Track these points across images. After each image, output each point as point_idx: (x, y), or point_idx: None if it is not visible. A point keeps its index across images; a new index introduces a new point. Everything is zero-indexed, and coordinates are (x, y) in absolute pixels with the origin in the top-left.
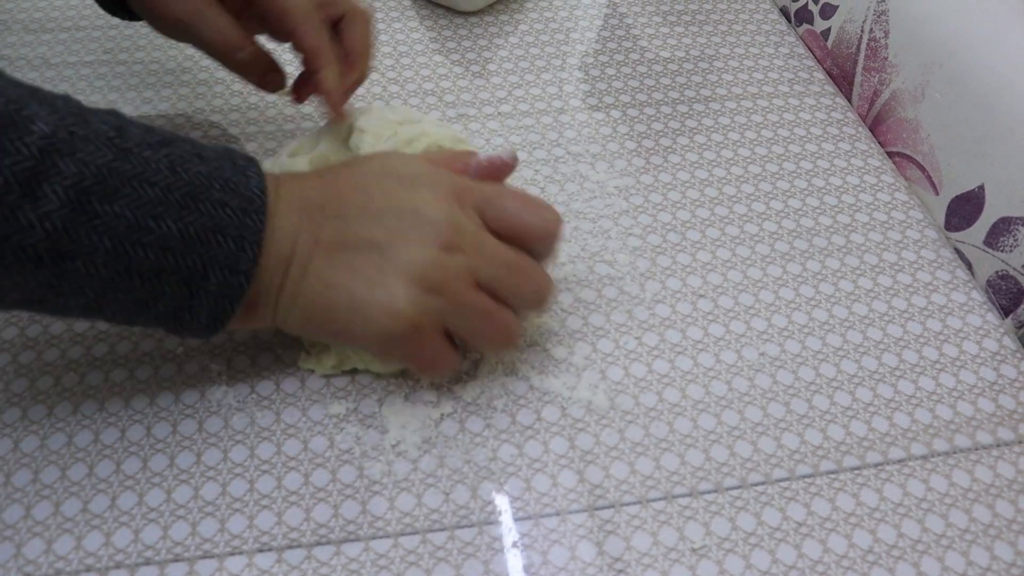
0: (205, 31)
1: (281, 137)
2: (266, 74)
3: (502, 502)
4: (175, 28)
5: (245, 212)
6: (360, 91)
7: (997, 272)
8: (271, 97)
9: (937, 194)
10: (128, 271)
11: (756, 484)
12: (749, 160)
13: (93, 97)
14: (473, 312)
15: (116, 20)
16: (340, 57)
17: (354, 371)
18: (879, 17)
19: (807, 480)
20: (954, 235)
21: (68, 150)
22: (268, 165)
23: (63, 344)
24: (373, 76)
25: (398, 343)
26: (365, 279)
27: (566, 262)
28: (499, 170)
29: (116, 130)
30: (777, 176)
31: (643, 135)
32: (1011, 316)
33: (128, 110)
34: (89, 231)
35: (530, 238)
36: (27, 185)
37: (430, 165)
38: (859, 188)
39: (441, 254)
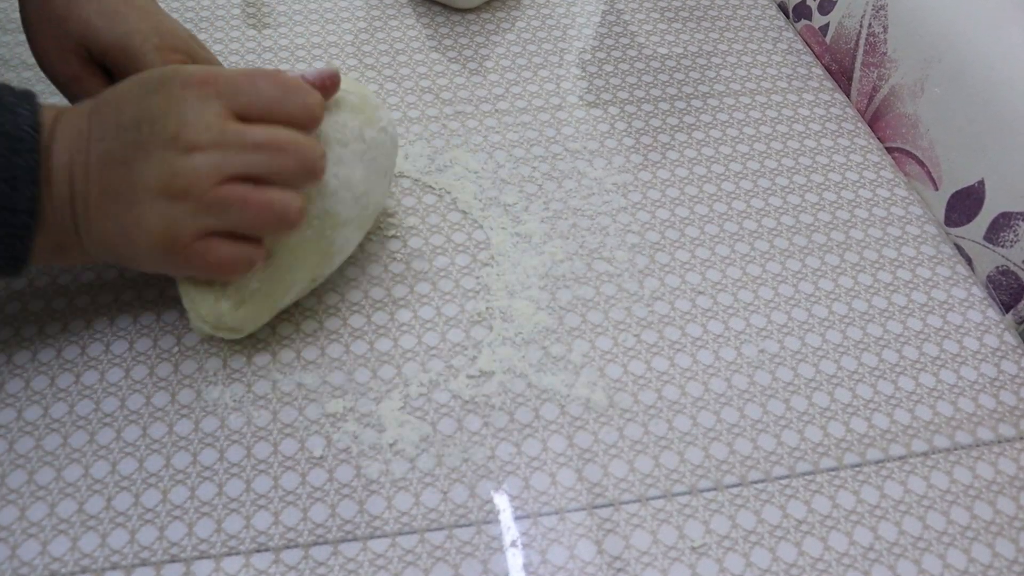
0: (81, 95)
1: None
2: None
3: (500, 501)
4: (54, 79)
5: (15, 152)
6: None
7: (997, 267)
8: None
9: (937, 189)
10: None
11: (756, 482)
12: (747, 157)
13: None
14: (225, 205)
15: None
16: None
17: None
18: (878, 12)
19: (807, 477)
20: (954, 230)
21: None
22: None
23: (59, 344)
24: (369, 74)
25: (169, 259)
26: (124, 202)
27: (564, 259)
28: (326, 89)
29: None
30: (776, 172)
31: (641, 132)
32: (1012, 312)
33: None
34: None
35: (289, 123)
36: None
37: (189, 67)
38: (858, 184)
39: (179, 158)
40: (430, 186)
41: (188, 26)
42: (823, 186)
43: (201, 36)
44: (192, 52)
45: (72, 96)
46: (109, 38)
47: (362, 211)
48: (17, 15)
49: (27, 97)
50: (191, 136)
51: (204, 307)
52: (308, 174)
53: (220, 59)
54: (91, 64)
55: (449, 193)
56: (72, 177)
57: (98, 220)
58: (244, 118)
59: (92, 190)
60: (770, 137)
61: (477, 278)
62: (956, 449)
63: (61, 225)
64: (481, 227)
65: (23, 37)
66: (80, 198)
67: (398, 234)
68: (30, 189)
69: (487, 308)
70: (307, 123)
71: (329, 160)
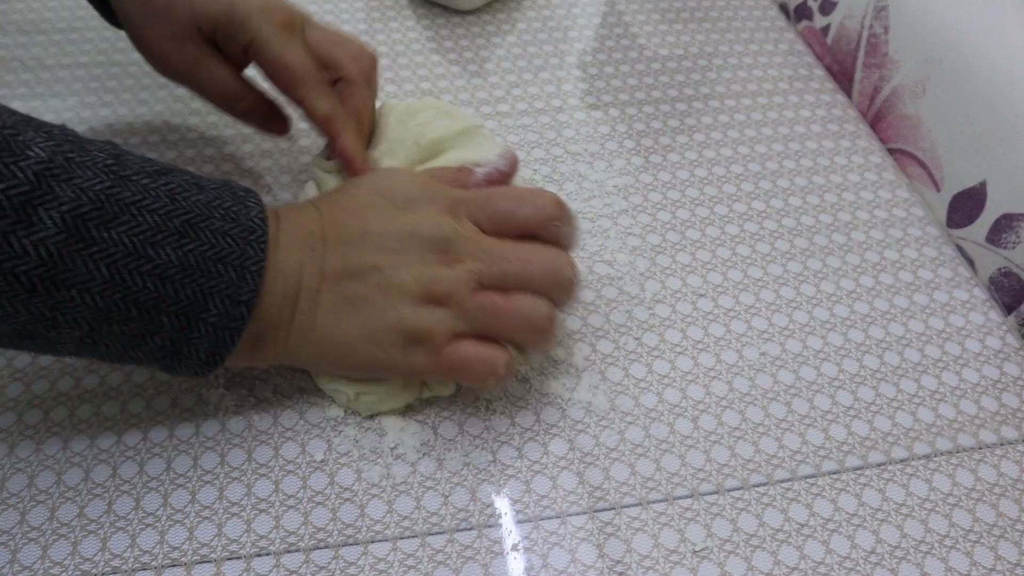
0: (203, 81)
1: (277, 137)
2: (268, 119)
3: (502, 504)
4: (174, 74)
5: (246, 241)
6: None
7: (1000, 269)
8: None
9: (938, 191)
10: (125, 301)
11: (758, 485)
12: (749, 158)
13: (88, 98)
14: (483, 312)
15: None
16: (350, 117)
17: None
18: (879, 13)
19: (809, 481)
20: (956, 232)
21: (65, 176)
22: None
23: None
24: None
25: (422, 361)
26: (373, 306)
27: None
28: (498, 181)
29: (114, 158)
30: (777, 174)
31: (642, 134)
32: (1014, 313)
33: (123, 111)
34: (86, 258)
35: (529, 229)
36: (22, 210)
37: (424, 181)
38: (860, 185)
39: (441, 267)
40: None
41: None
42: (824, 188)
43: None
44: (298, 13)
45: (200, 85)
46: (217, 10)
47: None
48: (16, 16)
49: (252, 192)
50: (454, 249)
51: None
52: (557, 284)
53: None
54: (207, 45)
55: None
56: (301, 276)
57: (332, 321)
58: (493, 236)
59: (324, 292)
60: (771, 139)
61: None
62: (958, 452)
63: (270, 320)
64: None
65: (22, 39)
66: (306, 298)
67: None
68: (255, 280)
69: None
70: (556, 238)
71: None
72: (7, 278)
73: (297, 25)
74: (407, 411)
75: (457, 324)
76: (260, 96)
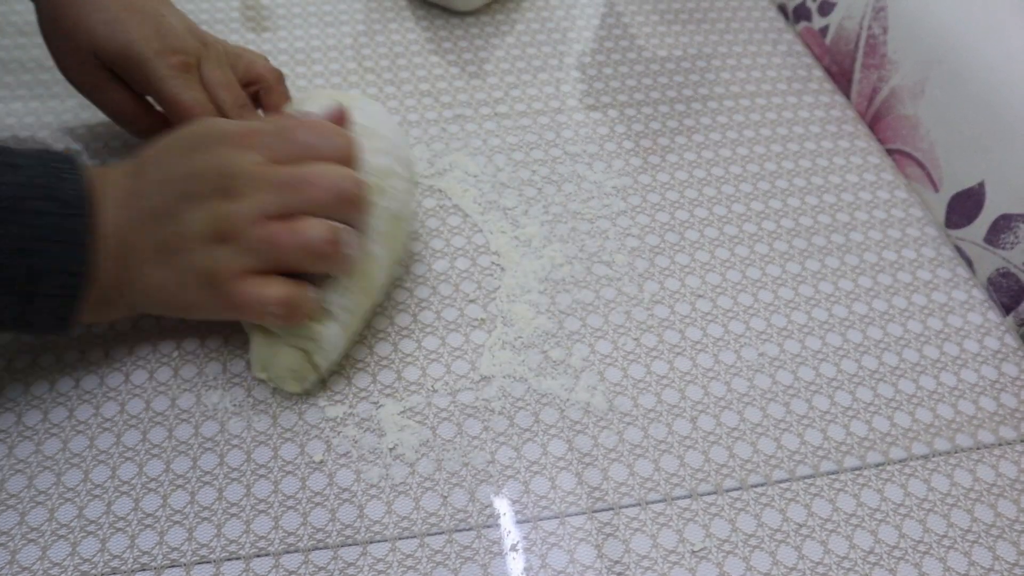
0: (102, 101)
1: None
2: None
3: (500, 505)
4: (78, 88)
5: (65, 216)
6: (355, 92)
7: (998, 269)
8: None
9: (937, 191)
10: None
11: (756, 485)
12: (747, 159)
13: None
14: (264, 244)
15: None
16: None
17: (340, 372)
18: (878, 14)
19: (807, 481)
20: (954, 232)
21: None
22: None
23: (58, 348)
24: (368, 77)
25: (215, 299)
26: (176, 250)
27: (564, 263)
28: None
29: None
30: (775, 175)
31: (641, 135)
32: (1012, 314)
33: None
34: None
35: (323, 160)
36: None
37: (226, 123)
38: (858, 186)
39: (226, 203)
40: (431, 189)
41: None
42: (823, 188)
43: None
44: (193, 50)
45: (100, 105)
46: (114, 47)
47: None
48: (15, 18)
49: (70, 161)
50: (232, 184)
51: (289, 359)
52: (345, 202)
53: None
54: (107, 71)
55: (449, 197)
56: (121, 233)
57: (149, 271)
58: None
59: (142, 243)
60: (770, 140)
61: (477, 282)
62: (957, 452)
63: (108, 281)
64: (480, 231)
65: (21, 40)
66: (132, 252)
67: None
68: (82, 253)
69: (487, 312)
70: (344, 163)
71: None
72: None
73: (192, 65)
74: (405, 411)
75: (245, 260)
76: (159, 116)
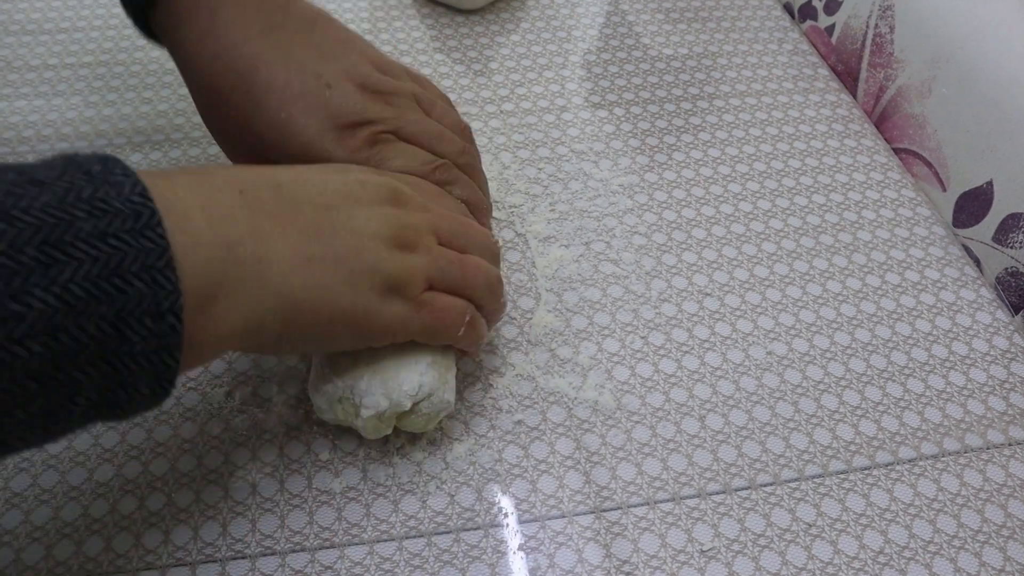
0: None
1: None
2: None
3: (508, 504)
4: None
5: (135, 232)
6: None
7: (1006, 269)
8: None
9: (945, 190)
10: (11, 379)
11: (765, 485)
12: (754, 158)
13: (92, 97)
14: (447, 262)
15: (115, 21)
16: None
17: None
18: (884, 12)
19: (816, 480)
20: (962, 232)
21: None
22: None
23: None
24: None
25: (395, 307)
26: (346, 244)
27: (570, 261)
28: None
29: None
30: (782, 174)
31: (647, 133)
32: (1021, 313)
33: (127, 110)
34: None
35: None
36: None
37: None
38: (865, 185)
39: (403, 212)
40: None
41: None
42: (830, 187)
43: None
44: (374, 112)
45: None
46: (288, 152)
47: None
48: (19, 16)
49: (110, 160)
50: (402, 195)
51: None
52: (490, 295)
53: None
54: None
55: None
56: (233, 225)
57: (293, 264)
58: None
59: (278, 231)
60: (776, 138)
61: None
62: (966, 452)
63: (198, 299)
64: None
65: (26, 39)
66: (250, 246)
67: None
68: (170, 278)
69: None
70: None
71: None
72: None
73: (379, 133)
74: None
75: (431, 273)
76: None
